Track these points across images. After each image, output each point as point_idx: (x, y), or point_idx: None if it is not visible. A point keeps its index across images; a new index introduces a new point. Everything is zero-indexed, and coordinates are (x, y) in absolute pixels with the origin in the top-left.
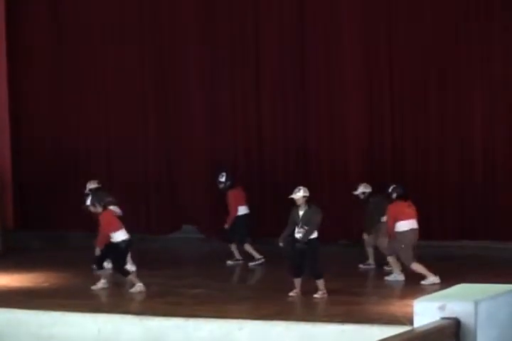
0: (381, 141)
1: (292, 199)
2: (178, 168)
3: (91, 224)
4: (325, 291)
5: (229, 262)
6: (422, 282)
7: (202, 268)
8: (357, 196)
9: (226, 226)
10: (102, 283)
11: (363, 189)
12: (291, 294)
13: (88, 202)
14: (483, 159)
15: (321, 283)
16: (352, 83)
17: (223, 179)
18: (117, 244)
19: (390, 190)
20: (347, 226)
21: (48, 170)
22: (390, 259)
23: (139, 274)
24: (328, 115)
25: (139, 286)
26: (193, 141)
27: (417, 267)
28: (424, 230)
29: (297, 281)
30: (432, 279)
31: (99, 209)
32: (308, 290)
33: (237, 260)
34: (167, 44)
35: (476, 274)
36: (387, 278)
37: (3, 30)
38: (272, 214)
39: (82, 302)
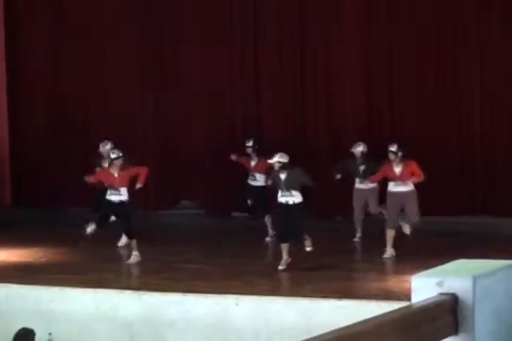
0: (379, 120)
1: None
2: (176, 144)
3: (89, 201)
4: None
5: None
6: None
7: (200, 244)
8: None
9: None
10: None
11: (362, 148)
12: (280, 268)
13: (117, 154)
14: (481, 134)
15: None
16: (350, 66)
17: (251, 143)
18: (127, 203)
19: (394, 149)
20: (344, 203)
21: (46, 146)
22: (391, 234)
23: (138, 249)
24: (326, 99)
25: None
26: (192, 117)
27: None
28: (424, 206)
29: (284, 247)
30: (390, 252)
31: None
32: (304, 266)
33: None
34: (167, 26)
35: (474, 250)
36: (385, 256)
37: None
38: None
39: (81, 278)
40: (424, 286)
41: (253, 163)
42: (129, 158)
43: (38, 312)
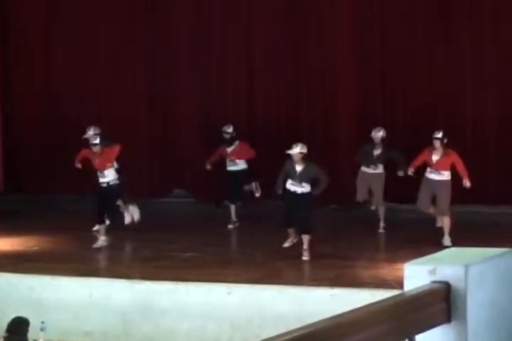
0: (372, 108)
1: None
2: (169, 132)
3: (82, 188)
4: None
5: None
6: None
7: (193, 233)
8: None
9: None
10: (102, 240)
11: (382, 133)
12: (285, 245)
13: (98, 140)
14: (473, 123)
15: (306, 238)
16: (342, 49)
17: (230, 130)
18: (112, 184)
19: (439, 136)
20: (338, 191)
21: (39, 134)
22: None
23: (131, 238)
24: (319, 83)
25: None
26: (185, 106)
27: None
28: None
29: (291, 231)
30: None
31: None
32: (296, 254)
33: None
34: (159, 8)
35: (466, 238)
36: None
37: None
38: (266, 174)
39: (73, 267)
40: (417, 274)
41: (230, 149)
42: (110, 142)
43: (30, 301)
